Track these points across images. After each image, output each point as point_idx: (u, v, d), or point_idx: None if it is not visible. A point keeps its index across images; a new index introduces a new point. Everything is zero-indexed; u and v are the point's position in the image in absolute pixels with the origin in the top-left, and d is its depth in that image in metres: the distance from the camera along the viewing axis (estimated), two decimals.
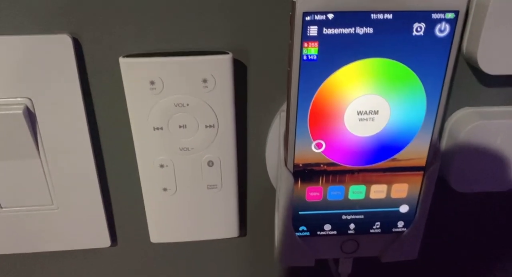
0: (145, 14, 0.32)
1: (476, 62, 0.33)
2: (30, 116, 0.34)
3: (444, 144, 0.38)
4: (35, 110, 0.34)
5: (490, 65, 0.33)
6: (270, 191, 0.40)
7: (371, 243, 0.39)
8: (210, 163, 0.36)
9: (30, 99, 0.33)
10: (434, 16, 0.29)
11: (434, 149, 0.34)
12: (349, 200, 0.36)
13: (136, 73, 0.32)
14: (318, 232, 0.37)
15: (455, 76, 0.36)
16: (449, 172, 0.38)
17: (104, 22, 0.32)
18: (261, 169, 0.39)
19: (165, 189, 0.37)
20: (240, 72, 0.34)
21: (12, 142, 0.34)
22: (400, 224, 0.38)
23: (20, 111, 0.33)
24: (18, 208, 0.38)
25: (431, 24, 0.29)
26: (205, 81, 0.32)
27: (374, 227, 0.38)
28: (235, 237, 0.40)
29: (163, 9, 0.32)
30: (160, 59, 0.32)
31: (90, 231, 0.40)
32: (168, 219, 0.38)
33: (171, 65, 0.32)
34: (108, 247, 0.41)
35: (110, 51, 0.33)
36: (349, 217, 0.37)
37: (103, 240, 0.41)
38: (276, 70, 0.35)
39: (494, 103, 0.38)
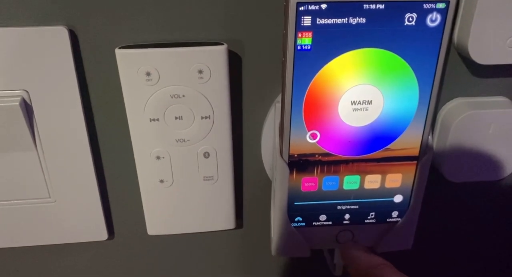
0: (141, 5, 0.32)
1: (467, 52, 0.34)
2: (27, 108, 0.34)
3: (436, 134, 0.39)
4: (32, 102, 0.34)
5: (481, 55, 0.34)
6: (266, 182, 0.40)
7: (366, 233, 0.39)
8: (206, 155, 0.36)
9: (26, 91, 0.34)
10: (425, 6, 0.30)
11: (427, 139, 0.34)
12: (344, 190, 0.36)
13: (132, 64, 0.32)
14: (314, 223, 0.38)
15: (447, 67, 0.37)
16: (442, 162, 0.39)
17: (100, 14, 0.32)
18: (257, 160, 0.39)
19: (161, 181, 0.37)
20: (235, 63, 0.35)
21: (9, 134, 0.34)
22: (394, 214, 0.38)
23: (17, 103, 0.33)
24: (15, 201, 0.38)
25: (422, 14, 0.30)
26: (200, 72, 0.33)
27: (368, 217, 0.38)
28: (231, 229, 0.41)
29: (159, 1, 0.32)
30: (156, 49, 0.32)
31: (87, 224, 0.40)
32: (164, 211, 0.39)
33: (167, 55, 0.32)
34: (105, 240, 0.41)
35: (106, 42, 0.33)
36: (344, 207, 0.37)
37: (100, 233, 0.41)
38: (271, 61, 0.35)
39: (485, 93, 0.38)
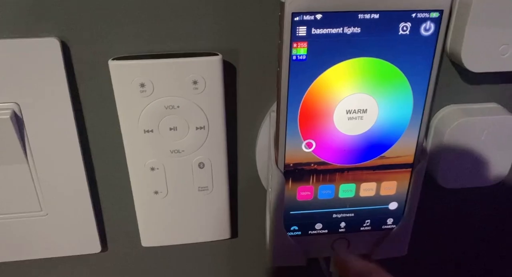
0: (133, 16, 0.32)
1: (460, 60, 0.34)
2: (18, 121, 0.33)
3: (430, 141, 0.39)
4: (23, 115, 0.33)
5: (474, 63, 0.34)
6: (261, 192, 0.40)
7: (362, 240, 0.39)
8: (201, 165, 0.36)
9: (17, 104, 0.33)
10: (419, 15, 0.30)
11: (421, 146, 0.35)
12: (340, 198, 0.36)
13: (125, 76, 0.32)
14: (310, 231, 0.38)
15: (440, 74, 0.37)
16: (436, 169, 0.39)
17: (92, 25, 0.32)
18: (252, 169, 0.39)
19: (156, 192, 0.37)
20: (229, 73, 0.35)
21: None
22: (390, 221, 0.38)
23: (8, 116, 0.32)
24: (6, 215, 0.37)
25: (416, 23, 0.30)
26: (195, 82, 0.32)
27: (364, 225, 0.38)
28: (227, 239, 0.41)
29: (152, 11, 0.32)
30: (149, 61, 0.32)
31: (80, 237, 0.39)
32: (159, 222, 0.38)
33: (161, 66, 0.32)
34: (99, 252, 0.41)
35: (99, 53, 0.33)
36: (339, 216, 0.37)
37: (93, 245, 0.40)
38: (266, 70, 0.35)
39: (478, 100, 0.39)
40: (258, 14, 0.33)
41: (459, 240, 0.48)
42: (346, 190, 0.36)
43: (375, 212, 0.37)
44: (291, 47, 0.30)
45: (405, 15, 0.30)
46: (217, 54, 0.32)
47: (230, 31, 0.33)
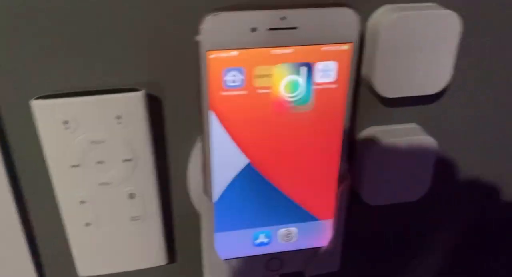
0: (55, 54, 0.32)
1: (374, 87, 0.36)
2: None
3: (355, 161, 0.41)
4: None
5: (386, 89, 0.36)
6: (196, 216, 0.41)
7: (294, 259, 0.41)
8: (132, 196, 0.36)
9: None
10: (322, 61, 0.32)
11: (343, 166, 0.37)
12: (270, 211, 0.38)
13: (49, 115, 0.32)
14: (243, 253, 0.39)
15: (359, 98, 0.39)
16: (361, 187, 0.41)
17: (12, 65, 0.32)
18: (185, 195, 0.40)
19: (87, 224, 0.37)
20: (155, 105, 0.35)
21: None
22: (320, 238, 0.40)
23: None
24: None
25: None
26: (118, 117, 0.33)
27: (294, 243, 0.40)
28: (165, 264, 0.41)
29: (74, 49, 0.32)
30: (72, 99, 0.32)
31: (15, 272, 0.39)
32: (94, 252, 0.39)
33: (83, 104, 0.32)
34: None
35: (22, 93, 0.33)
36: (271, 237, 0.39)
37: None
38: (192, 101, 0.36)
39: (398, 121, 0.41)
40: (181, 48, 0.34)
41: (390, 254, 0.50)
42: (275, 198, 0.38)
43: (304, 230, 0.39)
44: (208, 83, 0.31)
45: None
46: (139, 90, 0.33)
47: (154, 66, 0.34)
